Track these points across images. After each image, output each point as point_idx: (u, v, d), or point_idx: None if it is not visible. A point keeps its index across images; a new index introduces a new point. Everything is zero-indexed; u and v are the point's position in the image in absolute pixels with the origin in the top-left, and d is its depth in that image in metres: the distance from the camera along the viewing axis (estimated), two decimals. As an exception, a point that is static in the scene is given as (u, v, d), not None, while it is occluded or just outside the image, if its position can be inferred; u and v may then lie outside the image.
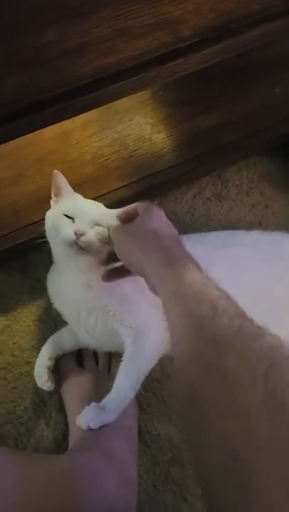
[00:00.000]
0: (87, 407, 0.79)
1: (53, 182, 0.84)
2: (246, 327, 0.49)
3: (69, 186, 0.83)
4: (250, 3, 0.67)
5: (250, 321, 0.50)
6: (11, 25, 0.54)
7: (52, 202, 0.84)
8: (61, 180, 0.82)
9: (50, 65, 0.60)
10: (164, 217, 0.72)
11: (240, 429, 0.41)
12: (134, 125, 1.07)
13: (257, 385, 0.42)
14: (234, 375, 0.44)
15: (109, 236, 0.76)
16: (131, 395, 0.80)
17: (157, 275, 0.62)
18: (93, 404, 0.79)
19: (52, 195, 0.85)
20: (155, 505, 0.89)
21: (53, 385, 0.94)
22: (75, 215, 0.78)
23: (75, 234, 0.75)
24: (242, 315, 0.51)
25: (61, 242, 0.78)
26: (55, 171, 0.82)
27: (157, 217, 0.70)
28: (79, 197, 0.84)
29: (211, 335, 0.49)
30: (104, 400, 0.79)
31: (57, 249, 0.83)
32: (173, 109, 1.09)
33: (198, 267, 0.61)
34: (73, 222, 0.78)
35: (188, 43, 0.66)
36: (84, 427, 0.77)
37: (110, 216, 0.78)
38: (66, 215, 0.78)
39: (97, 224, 0.77)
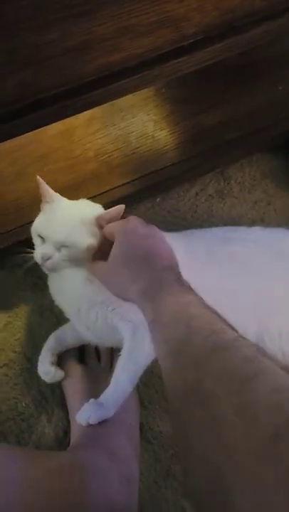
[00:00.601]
0: (86, 404, 0.80)
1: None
2: (221, 343, 0.50)
3: (50, 192, 0.81)
4: (254, 0, 0.67)
5: (227, 332, 0.52)
6: (13, 24, 0.54)
7: (41, 206, 0.84)
8: (43, 187, 0.81)
9: (53, 63, 0.60)
10: (137, 230, 0.74)
11: (219, 445, 0.42)
12: (138, 122, 1.06)
13: (231, 401, 0.43)
14: (211, 394, 0.45)
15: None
16: (129, 389, 0.80)
17: (138, 306, 0.65)
18: (92, 400, 0.80)
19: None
20: (156, 501, 0.90)
21: (62, 372, 0.94)
22: (45, 237, 0.79)
23: (42, 258, 0.78)
24: (218, 330, 0.52)
25: None
26: (37, 176, 0.81)
27: (128, 236, 0.73)
28: (59, 203, 0.82)
29: (189, 358, 0.51)
30: (102, 395, 0.80)
31: None
32: (176, 107, 1.09)
33: (175, 282, 0.64)
34: (43, 242, 0.79)
35: (192, 40, 0.66)
36: (84, 423, 0.78)
37: (86, 227, 0.79)
38: (39, 235, 0.80)
39: (65, 245, 0.78)
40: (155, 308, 0.60)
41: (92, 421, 0.77)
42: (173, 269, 0.67)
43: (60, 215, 0.80)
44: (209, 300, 0.86)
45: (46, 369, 0.94)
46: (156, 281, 0.64)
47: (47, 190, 0.81)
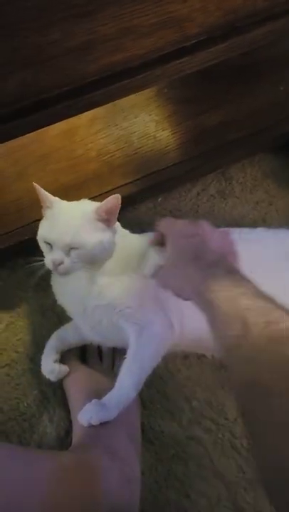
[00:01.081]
0: (88, 404, 0.80)
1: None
2: (275, 334, 0.51)
3: (49, 197, 0.80)
4: (256, 1, 0.67)
5: (280, 322, 0.52)
6: (16, 24, 0.54)
7: (42, 212, 0.83)
8: (41, 192, 0.80)
9: (55, 63, 0.60)
10: (182, 227, 0.76)
11: (282, 438, 0.44)
12: (139, 122, 1.06)
13: (287, 395, 0.45)
14: (270, 388, 0.47)
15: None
16: (133, 393, 0.80)
17: (196, 305, 0.66)
18: (94, 400, 0.80)
19: None
20: (158, 502, 0.90)
21: (66, 367, 0.94)
22: (52, 243, 0.78)
23: (53, 264, 0.77)
24: (272, 320, 0.53)
25: None
26: (34, 183, 0.80)
27: (175, 238, 0.74)
28: (59, 207, 0.81)
29: (245, 355, 0.52)
30: (106, 397, 0.80)
31: None
32: (178, 107, 1.09)
33: (225, 276, 0.64)
34: (52, 248, 0.78)
35: (194, 41, 0.66)
36: (85, 423, 0.78)
37: (91, 224, 0.79)
38: (46, 242, 0.79)
39: (73, 247, 0.77)
40: (209, 306, 0.61)
41: (94, 422, 0.78)
42: (222, 261, 0.68)
43: (63, 218, 0.80)
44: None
45: (50, 367, 0.93)
46: (207, 279, 0.64)
47: (45, 195, 0.80)
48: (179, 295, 0.73)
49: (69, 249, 0.77)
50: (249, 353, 0.52)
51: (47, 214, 0.81)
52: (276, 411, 0.45)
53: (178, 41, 0.64)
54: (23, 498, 0.66)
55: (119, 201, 0.77)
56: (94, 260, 0.80)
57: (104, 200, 0.78)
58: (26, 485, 0.68)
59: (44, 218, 0.82)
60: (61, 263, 0.77)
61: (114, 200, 0.77)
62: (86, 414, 0.79)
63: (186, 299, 0.71)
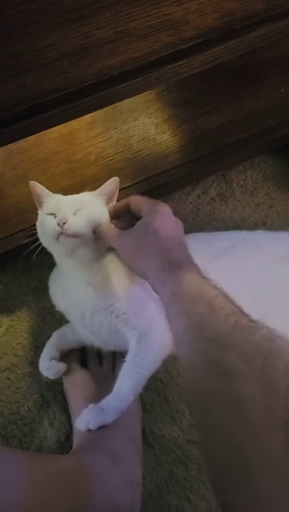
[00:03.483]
0: (85, 410, 0.79)
1: (32, 193, 0.84)
2: (242, 322, 0.51)
3: (47, 191, 0.83)
4: (254, 2, 0.67)
5: (246, 316, 0.52)
6: (13, 29, 0.55)
7: (39, 212, 0.84)
8: (38, 188, 0.83)
9: (53, 67, 0.60)
10: (170, 215, 0.72)
11: (241, 420, 0.43)
12: (139, 125, 1.06)
13: (254, 377, 0.44)
14: (234, 369, 0.46)
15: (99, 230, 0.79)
16: (131, 397, 0.79)
17: (157, 279, 0.64)
18: (91, 405, 0.79)
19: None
20: (158, 505, 0.89)
21: (64, 365, 0.93)
22: (56, 210, 0.79)
23: (58, 225, 0.76)
24: (238, 311, 0.53)
25: (51, 241, 0.78)
26: (31, 181, 0.83)
27: (161, 216, 0.71)
28: (58, 195, 0.84)
29: (211, 332, 0.51)
30: (103, 401, 0.79)
31: (55, 252, 0.84)
32: (177, 109, 1.08)
33: (196, 267, 0.63)
34: (55, 217, 0.78)
35: (191, 43, 0.66)
36: (83, 429, 0.78)
37: (94, 198, 0.83)
38: (49, 214, 0.80)
39: (79, 208, 0.79)
40: (177, 281, 0.60)
41: (92, 426, 0.77)
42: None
43: (64, 196, 0.83)
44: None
45: (48, 364, 0.92)
46: (178, 258, 0.64)
47: (43, 189, 0.83)
48: (136, 266, 0.71)
49: (75, 210, 0.79)
50: (214, 332, 0.51)
51: (46, 203, 0.83)
52: (238, 392, 0.44)
53: (175, 44, 0.64)
54: (23, 501, 0.66)
55: (118, 184, 0.84)
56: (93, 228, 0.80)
57: (105, 183, 0.83)
58: (26, 489, 0.67)
59: (43, 209, 0.83)
60: (66, 222, 0.76)
61: (114, 182, 0.83)
62: (84, 420, 0.78)
63: (140, 272, 0.69)
